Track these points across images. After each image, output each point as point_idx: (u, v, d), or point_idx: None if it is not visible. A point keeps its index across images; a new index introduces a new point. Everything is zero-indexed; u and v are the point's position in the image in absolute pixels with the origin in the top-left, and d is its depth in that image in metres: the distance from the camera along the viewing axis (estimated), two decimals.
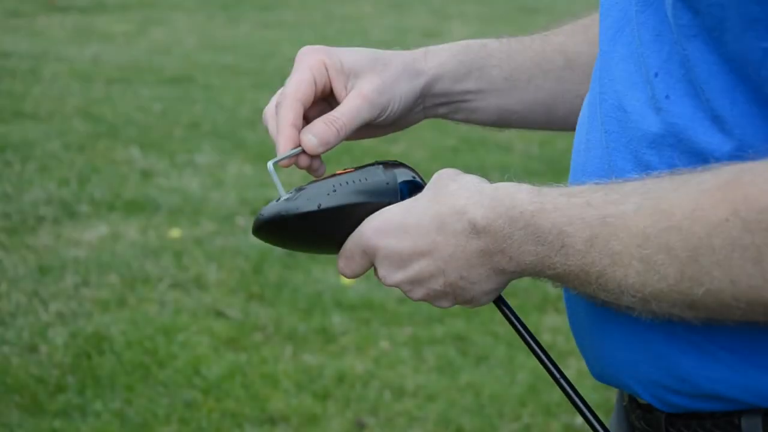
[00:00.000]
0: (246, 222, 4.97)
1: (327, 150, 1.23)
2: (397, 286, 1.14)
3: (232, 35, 9.80)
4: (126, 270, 4.42)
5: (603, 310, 1.09)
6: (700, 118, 1.01)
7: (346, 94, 1.26)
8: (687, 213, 0.95)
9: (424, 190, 1.15)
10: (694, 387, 1.05)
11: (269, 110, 1.26)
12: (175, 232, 4.85)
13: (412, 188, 1.18)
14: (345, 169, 1.19)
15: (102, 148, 6.07)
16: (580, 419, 3.29)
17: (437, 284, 1.12)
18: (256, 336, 3.94)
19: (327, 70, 1.25)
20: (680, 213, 0.96)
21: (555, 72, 1.37)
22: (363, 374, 3.69)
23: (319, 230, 1.18)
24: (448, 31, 10.08)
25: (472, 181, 1.11)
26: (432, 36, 9.68)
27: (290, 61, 1.27)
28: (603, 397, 3.37)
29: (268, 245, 1.24)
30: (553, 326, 4.05)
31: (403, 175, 1.18)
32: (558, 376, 1.15)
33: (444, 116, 1.37)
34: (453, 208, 1.09)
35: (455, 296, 1.13)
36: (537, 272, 1.06)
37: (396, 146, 6.19)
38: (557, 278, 1.06)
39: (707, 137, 1.01)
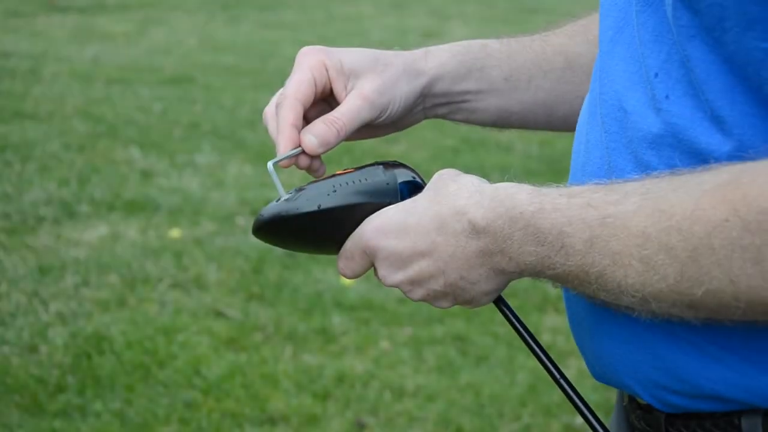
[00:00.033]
0: (246, 222, 4.97)
1: (327, 150, 1.23)
2: (397, 286, 1.14)
3: (232, 35, 9.80)
4: (126, 270, 4.42)
5: (603, 311, 1.09)
6: (699, 118, 1.01)
7: (346, 95, 1.26)
8: (687, 213, 0.95)
9: (424, 191, 1.15)
10: (693, 387, 1.05)
11: (269, 110, 1.26)
12: (175, 232, 4.85)
13: (412, 188, 1.18)
14: (345, 170, 1.19)
15: (102, 148, 6.07)
16: (580, 419, 3.29)
17: (437, 284, 1.12)
18: (256, 336, 3.94)
19: (327, 71, 1.25)
20: (680, 213, 0.96)
21: (555, 72, 1.37)
22: (363, 374, 3.69)
23: (319, 231, 1.18)
24: (448, 31, 10.08)
25: (472, 181, 1.11)
26: (432, 36, 9.68)
27: (290, 61, 1.27)
28: (603, 398, 3.37)
29: (268, 245, 1.24)
30: (553, 326, 4.05)
31: (403, 176, 1.19)
32: (558, 376, 1.15)
33: (444, 116, 1.37)
34: (453, 208, 1.09)
35: (455, 296, 1.13)
36: (537, 272, 1.06)
37: (396, 146, 6.19)
38: (557, 278, 1.06)
39: (707, 137, 1.01)
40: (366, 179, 1.17)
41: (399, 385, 3.64)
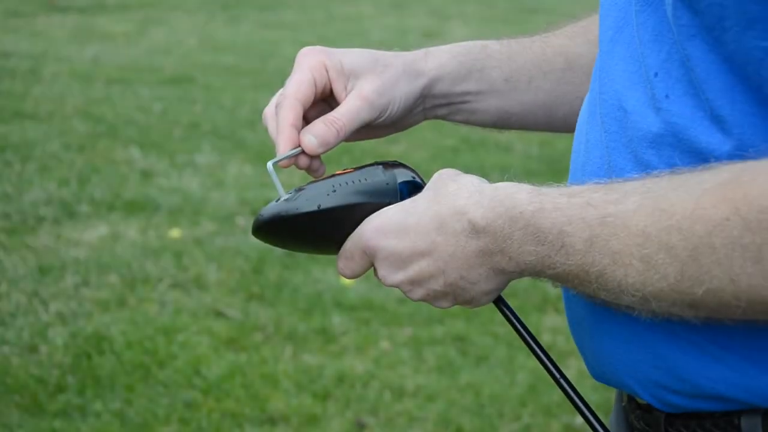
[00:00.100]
0: (246, 222, 4.97)
1: (327, 151, 1.23)
2: (396, 286, 1.14)
3: (232, 35, 9.80)
4: (126, 270, 4.42)
5: (602, 310, 1.09)
6: (699, 117, 1.01)
7: (346, 95, 1.26)
8: (687, 212, 0.95)
9: (424, 191, 1.15)
10: (693, 387, 1.05)
11: (269, 111, 1.26)
12: (175, 232, 4.85)
13: (412, 188, 1.18)
14: (345, 170, 1.19)
15: (102, 148, 6.07)
16: (580, 419, 3.29)
17: (437, 284, 1.12)
18: (256, 336, 3.94)
19: (327, 71, 1.26)
20: (680, 212, 0.96)
21: (555, 73, 1.37)
22: (363, 374, 3.69)
23: (319, 231, 1.18)
24: (448, 32, 10.08)
25: (472, 181, 1.11)
26: (432, 36, 9.68)
27: (290, 61, 1.27)
28: (603, 398, 3.37)
29: (268, 245, 1.25)
30: (553, 326, 4.05)
31: (402, 176, 1.19)
32: (558, 376, 1.15)
33: (444, 117, 1.37)
34: (453, 208, 1.09)
35: (455, 296, 1.13)
36: (537, 272, 1.06)
37: (396, 147, 6.19)
38: (557, 278, 1.06)
39: (707, 137, 1.01)
40: (366, 179, 1.17)
41: (399, 385, 3.64)
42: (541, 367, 1.16)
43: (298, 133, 1.22)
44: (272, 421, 3.40)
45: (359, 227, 1.16)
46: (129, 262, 4.49)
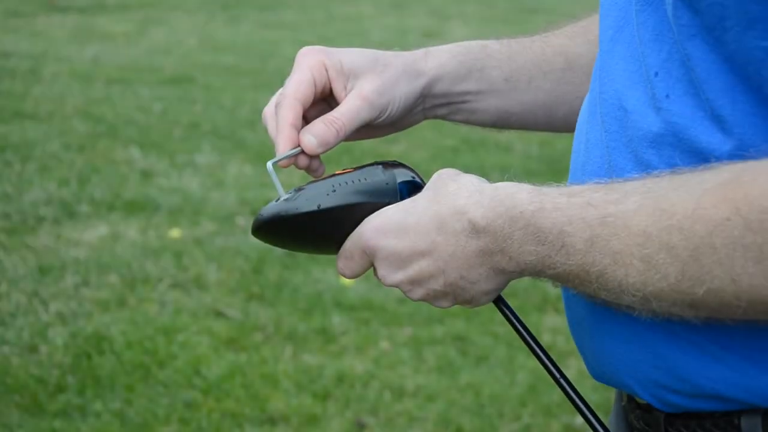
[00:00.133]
0: (246, 222, 4.97)
1: (326, 150, 1.23)
2: (396, 286, 1.14)
3: (232, 35, 9.80)
4: (126, 270, 4.42)
5: (602, 310, 1.09)
6: (700, 117, 1.01)
7: (346, 95, 1.26)
8: (688, 212, 0.95)
9: (424, 190, 1.15)
10: (693, 387, 1.05)
11: (269, 110, 1.26)
12: (175, 232, 4.85)
13: (412, 188, 1.18)
14: (344, 169, 1.19)
15: (102, 148, 6.07)
16: (580, 419, 3.29)
17: (437, 284, 1.12)
18: (256, 336, 3.94)
19: (327, 71, 1.25)
20: (681, 212, 0.96)
21: (555, 73, 1.37)
22: (363, 374, 3.69)
23: (319, 230, 1.18)
24: (448, 32, 10.08)
25: (472, 181, 1.11)
26: (432, 36, 9.68)
27: (290, 61, 1.27)
28: (603, 398, 3.36)
29: (268, 245, 1.24)
30: (553, 326, 4.05)
31: (402, 175, 1.18)
32: (558, 376, 1.14)
33: (444, 117, 1.37)
34: (453, 208, 1.09)
35: (455, 296, 1.13)
36: (537, 272, 1.06)
37: (396, 147, 6.19)
38: (557, 278, 1.05)
39: (707, 136, 1.01)
40: (365, 179, 1.17)
41: (399, 385, 3.64)
42: (541, 367, 1.16)
43: (298, 132, 1.22)
44: (272, 421, 3.40)
45: (359, 227, 1.15)
46: (129, 262, 4.49)
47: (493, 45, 1.36)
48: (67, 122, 6.56)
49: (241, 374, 3.64)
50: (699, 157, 1.01)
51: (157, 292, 4.25)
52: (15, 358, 3.66)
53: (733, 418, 1.05)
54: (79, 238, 4.73)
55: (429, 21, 10.91)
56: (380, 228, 1.13)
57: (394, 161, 1.21)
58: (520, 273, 1.08)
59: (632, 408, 1.15)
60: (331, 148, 1.23)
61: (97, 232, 4.82)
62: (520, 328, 1.16)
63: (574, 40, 1.38)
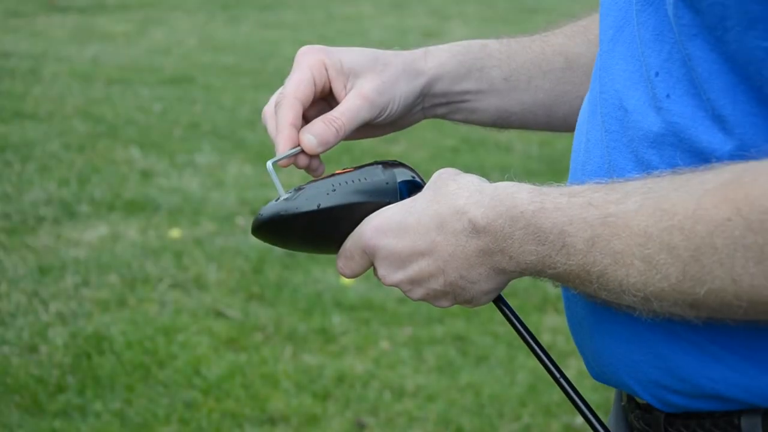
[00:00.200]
0: (246, 222, 4.97)
1: (326, 150, 1.23)
2: (396, 285, 1.14)
3: (232, 35, 9.80)
4: (126, 270, 4.42)
5: (603, 310, 1.09)
6: (700, 117, 1.01)
7: (346, 94, 1.25)
8: (689, 212, 0.95)
9: (424, 190, 1.15)
10: (694, 387, 1.05)
11: (268, 110, 1.26)
12: (175, 232, 4.85)
13: (412, 188, 1.18)
14: (344, 169, 1.19)
15: (102, 148, 6.07)
16: (580, 419, 3.29)
17: (437, 284, 1.12)
18: (256, 336, 3.94)
19: (326, 70, 1.25)
20: (682, 212, 0.96)
21: (555, 73, 1.37)
22: (363, 374, 3.69)
23: (319, 230, 1.18)
24: (448, 31, 10.08)
25: (472, 180, 1.11)
26: (432, 36, 9.68)
27: (290, 61, 1.27)
28: (603, 398, 3.36)
29: (268, 245, 1.24)
30: (553, 326, 4.05)
31: (402, 175, 1.18)
32: (558, 376, 1.14)
33: (443, 116, 1.36)
34: (453, 207, 1.09)
35: (455, 296, 1.12)
36: (537, 272, 1.06)
37: (396, 146, 6.19)
38: (558, 278, 1.05)
39: (708, 137, 1.00)
40: (365, 178, 1.17)
41: (399, 385, 3.64)
42: (541, 366, 1.16)
43: (298, 132, 1.22)
44: (272, 421, 3.40)
45: (359, 226, 1.15)
46: (129, 262, 4.49)
47: (492, 44, 1.36)
48: (67, 122, 6.56)
49: (241, 374, 3.64)
50: (700, 157, 1.01)
51: (157, 292, 4.25)
52: (15, 358, 3.66)
53: (733, 418, 1.04)
54: (79, 238, 4.73)
55: (429, 21, 10.91)
56: (380, 227, 1.13)
57: (394, 161, 1.21)
58: (521, 273, 1.08)
59: (632, 408, 1.15)
60: (330, 148, 1.23)
61: (97, 232, 4.82)
62: (520, 328, 1.16)
63: (574, 40, 1.38)
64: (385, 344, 3.92)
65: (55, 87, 7.41)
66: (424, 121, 1.38)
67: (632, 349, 1.08)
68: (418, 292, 1.13)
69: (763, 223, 0.91)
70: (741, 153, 0.98)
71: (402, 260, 1.12)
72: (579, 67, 1.36)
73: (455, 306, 1.15)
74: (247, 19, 10.70)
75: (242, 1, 11.72)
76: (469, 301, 1.13)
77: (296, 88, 1.23)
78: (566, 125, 1.38)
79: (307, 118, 1.24)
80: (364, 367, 3.74)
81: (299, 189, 1.18)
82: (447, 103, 1.34)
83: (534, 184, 1.07)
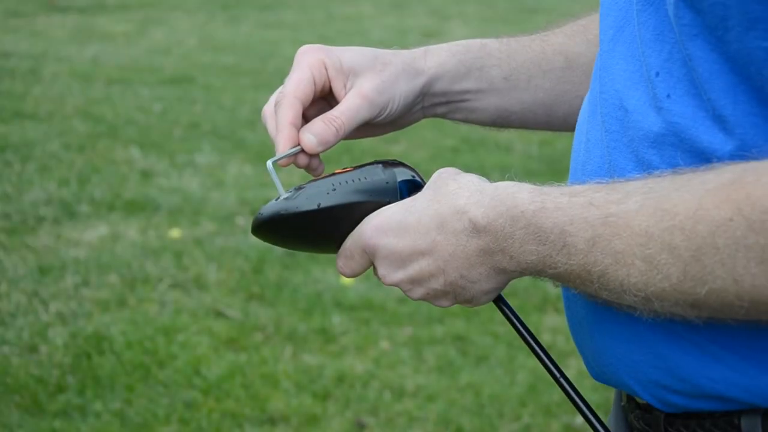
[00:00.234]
0: (246, 222, 4.97)
1: (326, 149, 1.23)
2: (396, 285, 1.14)
3: (232, 35, 9.80)
4: (126, 270, 4.42)
5: (603, 310, 1.09)
6: (701, 117, 1.01)
7: (346, 93, 1.25)
8: (690, 212, 0.95)
9: (424, 190, 1.15)
10: (694, 387, 1.05)
11: (268, 109, 1.26)
12: (175, 232, 4.85)
13: (412, 187, 1.17)
14: (344, 168, 1.19)
15: (102, 148, 6.07)
16: (580, 419, 3.29)
17: (437, 283, 1.11)
18: (256, 336, 3.94)
19: (326, 69, 1.25)
20: (683, 212, 0.96)
21: (555, 72, 1.36)
22: (363, 374, 3.69)
23: (319, 229, 1.17)
24: (448, 31, 10.08)
25: (472, 180, 1.11)
26: (432, 36, 9.68)
27: (290, 61, 1.27)
28: (603, 398, 3.36)
29: (268, 245, 1.25)
30: (553, 326, 4.05)
31: (402, 175, 1.18)
32: (558, 376, 1.14)
33: (443, 116, 1.36)
34: (453, 207, 1.09)
35: (455, 295, 1.12)
36: (538, 272, 1.06)
37: (396, 146, 6.19)
38: (558, 278, 1.05)
39: (709, 137, 1.00)
40: (365, 178, 1.17)
41: (399, 385, 3.64)
42: (541, 366, 1.16)
43: (298, 131, 1.22)
44: (272, 421, 3.40)
45: (359, 226, 1.15)
46: (129, 262, 4.49)
47: (492, 44, 1.36)
48: (67, 122, 6.56)
49: (241, 374, 3.64)
50: (700, 157, 1.01)
51: (157, 292, 4.25)
52: (15, 358, 3.66)
53: (733, 418, 1.04)
54: (79, 238, 4.73)
55: (429, 21, 10.91)
56: (380, 227, 1.13)
57: (394, 160, 1.21)
58: (521, 273, 1.08)
59: (632, 408, 1.15)
60: (330, 147, 1.23)
61: (97, 232, 4.82)
62: (521, 328, 1.16)
63: (574, 39, 1.38)
64: (385, 344, 3.92)
65: (55, 87, 7.41)
66: (424, 121, 1.38)
67: (632, 349, 1.08)
68: (419, 291, 1.13)
69: (764, 223, 0.91)
70: (742, 153, 0.98)
71: (402, 260, 1.12)
72: (579, 66, 1.36)
73: (455, 306, 1.15)
74: (247, 19, 10.70)
75: (242, 1, 11.72)
76: (470, 301, 1.13)
77: (296, 87, 1.23)
78: (566, 125, 1.37)
79: (306, 118, 1.24)
80: (364, 367, 3.74)
81: (299, 188, 1.18)
82: (447, 103, 1.34)
83: (534, 184, 1.07)
